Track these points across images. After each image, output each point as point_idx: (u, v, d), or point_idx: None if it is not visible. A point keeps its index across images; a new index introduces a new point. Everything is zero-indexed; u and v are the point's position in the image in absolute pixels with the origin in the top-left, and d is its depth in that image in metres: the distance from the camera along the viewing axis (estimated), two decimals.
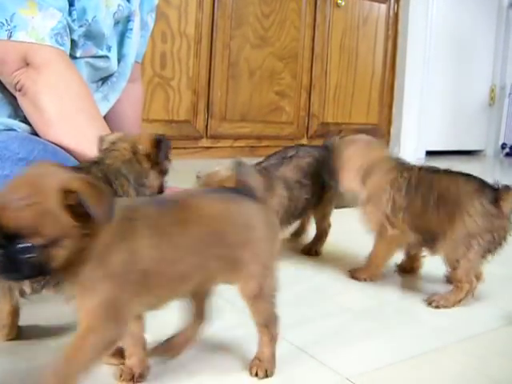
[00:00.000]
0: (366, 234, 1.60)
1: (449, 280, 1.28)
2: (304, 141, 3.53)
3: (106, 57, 1.29)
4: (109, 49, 1.30)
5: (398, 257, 1.38)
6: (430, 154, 4.18)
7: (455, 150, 4.47)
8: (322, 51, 3.56)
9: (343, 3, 3.59)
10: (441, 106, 4.28)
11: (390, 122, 4.01)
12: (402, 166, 1.31)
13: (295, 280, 1.26)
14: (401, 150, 3.97)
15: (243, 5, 3.18)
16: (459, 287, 1.19)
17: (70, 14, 1.16)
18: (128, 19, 1.36)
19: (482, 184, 1.26)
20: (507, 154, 4.73)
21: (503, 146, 4.75)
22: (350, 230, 1.73)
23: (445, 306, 1.17)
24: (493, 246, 1.20)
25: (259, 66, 3.27)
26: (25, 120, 1.16)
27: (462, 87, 4.43)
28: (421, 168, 1.30)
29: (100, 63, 1.29)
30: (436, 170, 1.29)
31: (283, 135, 3.37)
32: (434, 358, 0.93)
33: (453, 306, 1.17)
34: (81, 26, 1.19)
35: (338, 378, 0.83)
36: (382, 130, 3.98)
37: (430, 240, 1.25)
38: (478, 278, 1.25)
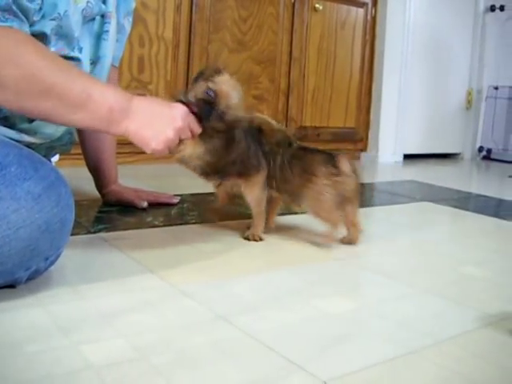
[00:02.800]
0: (341, 235, 1.61)
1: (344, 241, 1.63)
2: None
3: (78, 59, 1.28)
4: (80, 50, 1.29)
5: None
6: (407, 157, 4.20)
7: (433, 153, 4.50)
8: (300, 55, 3.57)
9: (321, 7, 3.61)
10: (418, 110, 4.31)
11: (367, 126, 4.04)
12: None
13: (269, 282, 1.26)
14: (379, 153, 3.99)
15: (221, 9, 3.18)
16: (333, 228, 1.56)
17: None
18: (104, 21, 1.36)
19: (326, 155, 1.57)
20: (484, 157, 4.77)
21: (480, 150, 4.80)
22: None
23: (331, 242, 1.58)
24: (341, 197, 1.53)
25: (237, 70, 3.28)
26: None
27: (439, 91, 4.46)
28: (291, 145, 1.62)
29: None
30: (301, 148, 1.61)
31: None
32: (412, 360, 0.93)
33: (332, 241, 1.58)
34: (53, 20, 1.17)
35: (316, 381, 0.83)
36: (359, 133, 4.00)
37: (296, 199, 1.59)
38: (355, 226, 1.61)
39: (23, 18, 1.10)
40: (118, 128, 1.16)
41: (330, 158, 1.55)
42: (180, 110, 1.26)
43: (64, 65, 1.13)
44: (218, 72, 1.37)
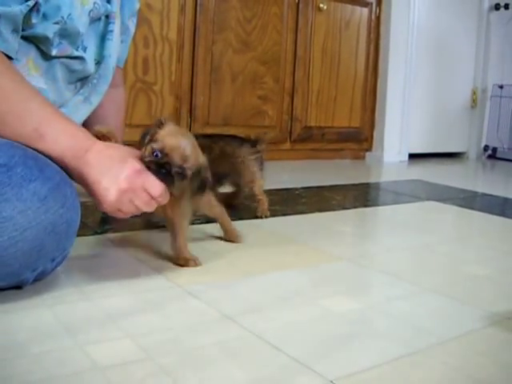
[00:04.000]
0: (348, 235, 1.61)
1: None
2: (287, 144, 3.54)
3: (82, 58, 1.28)
4: (84, 49, 1.29)
5: None
6: (412, 156, 4.20)
7: (438, 152, 4.49)
8: (305, 55, 3.57)
9: (325, 7, 3.61)
10: (423, 109, 4.30)
11: (372, 125, 4.04)
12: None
13: (275, 282, 1.26)
14: (384, 153, 3.98)
15: (225, 9, 3.19)
16: (261, 199, 1.89)
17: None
18: (108, 21, 1.36)
19: (241, 138, 1.92)
20: (489, 156, 4.76)
21: (485, 149, 4.79)
22: (330, 232, 1.73)
23: (265, 214, 1.89)
24: (261, 167, 1.90)
25: (242, 70, 3.28)
26: None
27: (444, 90, 4.45)
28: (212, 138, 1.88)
29: (75, 65, 1.27)
30: (216, 139, 1.88)
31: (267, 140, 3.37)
32: (417, 359, 0.93)
33: (267, 213, 1.89)
34: (56, 23, 1.16)
35: (323, 380, 0.83)
36: (364, 133, 4.00)
37: (222, 179, 1.87)
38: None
39: (7, 30, 1.09)
40: (73, 174, 1.11)
41: (245, 140, 1.93)
42: (131, 166, 1.13)
43: (27, 93, 1.09)
44: (159, 126, 1.21)
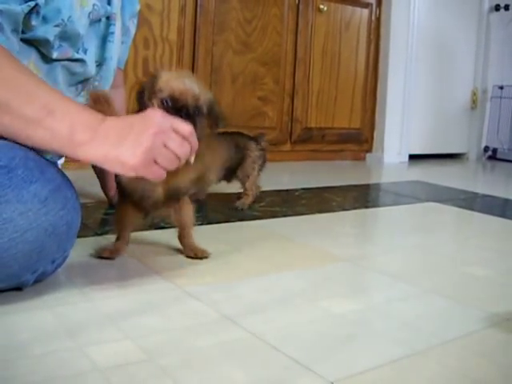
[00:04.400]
0: (348, 236, 1.61)
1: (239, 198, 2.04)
2: (288, 145, 3.54)
3: (83, 60, 1.27)
4: (85, 51, 1.28)
5: None
6: (413, 157, 4.20)
7: (438, 153, 4.49)
8: (305, 56, 3.57)
9: (325, 8, 3.61)
10: (423, 110, 4.30)
11: (372, 126, 4.04)
12: None
13: (275, 284, 1.26)
14: (384, 154, 3.99)
15: (225, 10, 3.19)
16: (248, 194, 2.01)
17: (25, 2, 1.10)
18: (109, 23, 1.36)
19: (248, 136, 2.10)
20: (490, 157, 4.77)
21: (486, 149, 4.79)
22: (330, 233, 1.74)
23: (243, 206, 1.99)
24: (262, 166, 2.07)
25: (242, 71, 3.28)
26: None
27: (444, 91, 4.45)
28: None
29: (76, 68, 1.27)
30: (229, 133, 2.03)
31: (266, 140, 3.37)
32: (417, 360, 0.93)
33: (248, 205, 2.00)
34: (56, 26, 1.16)
35: (323, 382, 0.83)
36: (364, 134, 4.00)
37: (229, 173, 2.03)
38: (258, 189, 2.08)
39: (8, 28, 1.09)
40: (83, 152, 1.02)
41: (252, 138, 2.11)
42: (153, 113, 1.08)
43: (31, 76, 1.06)
44: (155, 77, 1.18)
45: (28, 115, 0.99)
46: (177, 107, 1.13)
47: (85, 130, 1.01)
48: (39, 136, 1.00)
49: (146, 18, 2.84)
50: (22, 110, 0.99)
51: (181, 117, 1.11)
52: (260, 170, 2.07)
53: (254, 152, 2.04)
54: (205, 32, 3.10)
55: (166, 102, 1.13)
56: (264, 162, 2.07)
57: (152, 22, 2.88)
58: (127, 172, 1.03)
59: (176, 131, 1.05)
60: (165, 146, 1.03)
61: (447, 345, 1.00)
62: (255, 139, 2.09)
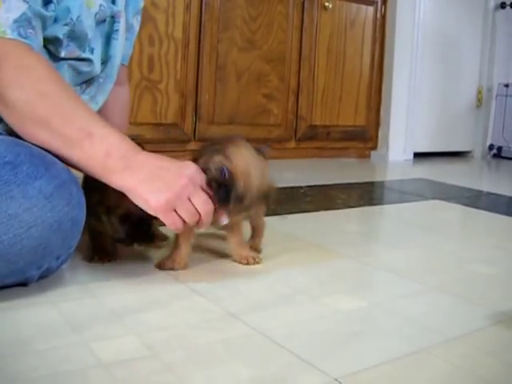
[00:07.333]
0: (353, 234, 1.61)
1: None
2: (292, 143, 3.54)
3: (89, 60, 1.28)
4: (91, 51, 1.29)
5: None
6: (417, 155, 4.19)
7: (443, 151, 4.48)
8: (310, 54, 3.57)
9: (330, 6, 3.60)
10: (428, 108, 4.29)
11: (377, 124, 4.03)
12: None
13: (280, 281, 1.26)
14: (389, 151, 3.98)
15: (230, 8, 3.18)
16: None
17: (45, 5, 1.12)
18: (113, 20, 1.36)
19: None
20: (495, 155, 4.75)
21: (491, 147, 4.77)
22: (335, 231, 1.74)
23: None
24: None
25: (247, 68, 3.28)
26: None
27: (449, 89, 4.44)
28: None
29: (83, 67, 1.27)
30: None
31: (271, 138, 3.38)
32: (422, 357, 0.93)
33: None
34: (66, 25, 1.17)
35: (327, 378, 0.83)
36: (369, 132, 4.00)
37: None
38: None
39: (40, 30, 1.11)
40: (114, 178, 1.06)
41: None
42: (190, 167, 1.10)
43: (72, 96, 1.10)
44: (230, 142, 1.17)
45: (67, 134, 1.04)
46: (223, 183, 1.11)
47: (119, 158, 1.06)
48: (75, 156, 1.06)
49: (151, 16, 2.84)
50: (61, 128, 1.04)
51: (218, 193, 1.10)
52: None
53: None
54: (210, 29, 3.10)
55: (223, 172, 1.11)
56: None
57: (157, 19, 2.88)
58: (148, 210, 1.07)
59: (192, 201, 1.08)
60: (189, 199, 1.07)
61: (452, 342, 0.99)
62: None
